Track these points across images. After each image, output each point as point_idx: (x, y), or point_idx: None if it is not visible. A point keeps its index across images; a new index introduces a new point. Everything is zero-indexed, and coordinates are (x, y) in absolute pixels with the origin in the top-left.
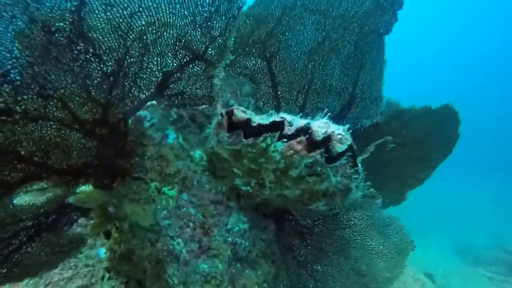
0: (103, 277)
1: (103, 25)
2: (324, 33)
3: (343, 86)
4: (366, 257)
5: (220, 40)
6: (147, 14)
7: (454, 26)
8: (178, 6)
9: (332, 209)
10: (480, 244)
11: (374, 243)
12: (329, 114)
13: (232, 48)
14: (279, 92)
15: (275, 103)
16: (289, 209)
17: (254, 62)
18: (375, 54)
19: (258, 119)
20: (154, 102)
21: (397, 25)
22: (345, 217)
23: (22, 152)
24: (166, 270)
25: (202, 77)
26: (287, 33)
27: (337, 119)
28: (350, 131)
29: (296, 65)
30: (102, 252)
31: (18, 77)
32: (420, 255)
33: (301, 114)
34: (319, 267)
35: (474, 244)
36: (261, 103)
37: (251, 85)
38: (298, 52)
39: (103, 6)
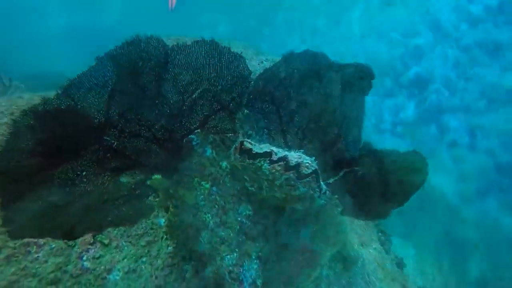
0: (162, 238)
1: (172, 89)
2: (315, 90)
3: (331, 128)
4: (321, 243)
5: (238, 99)
6: (195, 84)
7: None
8: (213, 80)
9: (307, 210)
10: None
11: (327, 234)
12: (320, 147)
13: (251, 96)
14: (284, 128)
15: (282, 134)
16: (283, 207)
17: (267, 105)
18: (356, 108)
19: (257, 149)
20: (198, 130)
21: None
22: (316, 217)
23: (127, 153)
24: (200, 233)
25: (227, 118)
26: (288, 88)
27: (325, 151)
28: (317, 161)
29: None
30: (162, 221)
31: (128, 116)
32: (433, 276)
33: (287, 148)
34: (293, 247)
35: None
36: (273, 133)
37: (265, 120)
38: (298, 102)
39: (172, 80)
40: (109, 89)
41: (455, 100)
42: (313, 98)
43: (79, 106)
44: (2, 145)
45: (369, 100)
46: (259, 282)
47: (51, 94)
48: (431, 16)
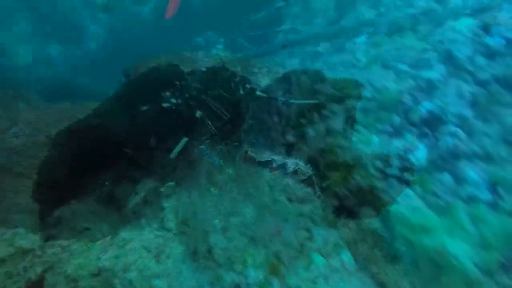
0: (172, 240)
1: (185, 107)
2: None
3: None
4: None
5: (244, 113)
6: (207, 102)
7: None
8: (222, 98)
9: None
10: None
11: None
12: None
13: (258, 110)
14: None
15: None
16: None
17: (273, 118)
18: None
19: (259, 158)
20: (208, 141)
21: None
22: None
23: (143, 163)
24: (209, 236)
25: (234, 130)
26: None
27: None
28: (312, 167)
29: None
30: (172, 225)
31: (146, 131)
32: None
33: (286, 155)
34: None
35: None
36: (275, 142)
37: (268, 130)
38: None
39: (186, 99)
40: (131, 109)
41: (472, 144)
42: (314, 132)
43: (106, 124)
44: (32, 155)
45: (375, 140)
46: (264, 283)
47: (67, 104)
48: (443, 47)
